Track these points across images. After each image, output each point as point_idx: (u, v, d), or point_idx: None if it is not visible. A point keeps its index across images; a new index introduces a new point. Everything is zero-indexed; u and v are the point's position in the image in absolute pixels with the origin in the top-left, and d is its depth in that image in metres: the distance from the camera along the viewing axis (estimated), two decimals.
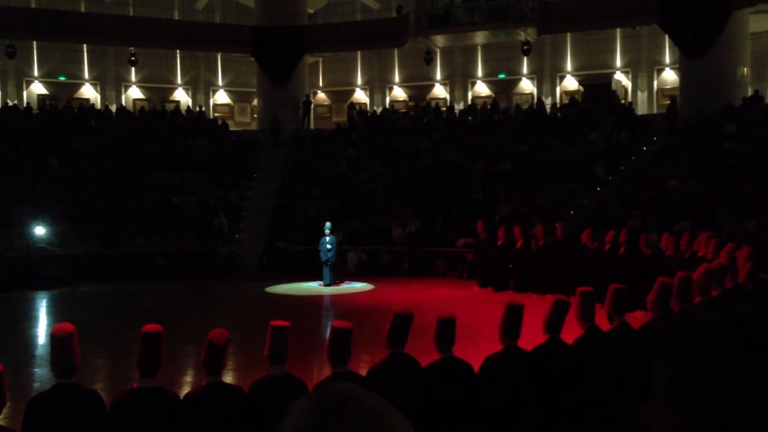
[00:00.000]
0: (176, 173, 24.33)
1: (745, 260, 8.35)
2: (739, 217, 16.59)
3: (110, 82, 32.33)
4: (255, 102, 32.26)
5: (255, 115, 32.52)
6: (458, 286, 17.81)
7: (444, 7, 27.77)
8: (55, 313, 15.56)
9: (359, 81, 33.85)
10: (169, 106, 31.50)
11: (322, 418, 1.01)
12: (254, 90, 31.71)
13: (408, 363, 4.95)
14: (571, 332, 5.48)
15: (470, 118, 27.76)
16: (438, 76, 32.64)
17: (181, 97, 33.41)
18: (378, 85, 33.57)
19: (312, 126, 30.96)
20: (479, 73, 32.13)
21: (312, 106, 29.82)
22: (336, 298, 16.71)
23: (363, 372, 5.21)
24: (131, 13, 30.41)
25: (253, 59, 29.96)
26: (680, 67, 25.74)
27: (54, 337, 4.14)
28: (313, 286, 18.18)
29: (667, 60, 28.96)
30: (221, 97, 34.27)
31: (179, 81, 33.55)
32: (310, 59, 31.48)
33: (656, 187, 19.68)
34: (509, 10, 26.35)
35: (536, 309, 6.31)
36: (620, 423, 4.96)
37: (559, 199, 20.85)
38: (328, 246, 17.94)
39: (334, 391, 1.05)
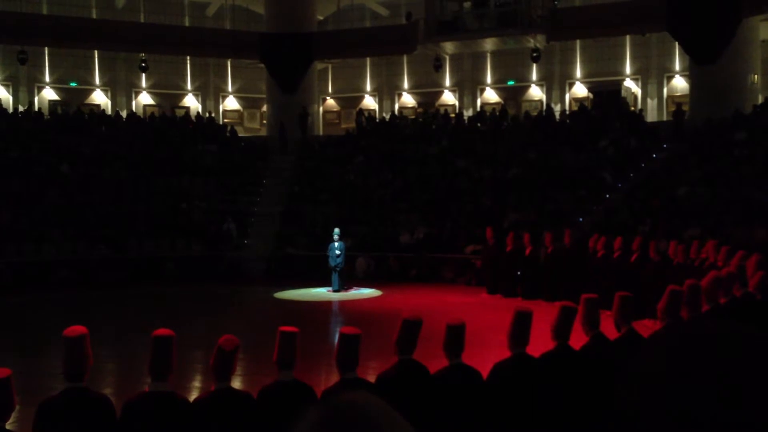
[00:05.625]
0: (185, 179, 24.43)
1: (755, 268, 8.30)
2: (749, 224, 16.52)
3: (121, 87, 32.51)
4: (264, 108, 32.36)
5: (264, 121, 32.62)
6: (466, 292, 17.79)
7: (453, 14, 27.80)
8: (64, 317, 15.62)
9: (368, 87, 33.91)
10: (179, 112, 31.64)
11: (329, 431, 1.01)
12: (263, 96, 31.82)
13: (416, 369, 4.95)
14: (582, 339, 5.48)
15: (479, 124, 27.75)
16: (447, 82, 32.66)
17: (191, 103, 33.55)
18: (387, 91, 33.62)
19: (321, 133, 31.05)
20: (488, 79, 32.13)
21: (309, 118, 29.53)
22: (344, 304, 16.72)
23: (371, 378, 5.21)
24: (142, 20, 30.58)
25: (262, 65, 30.06)
26: (690, 75, 25.68)
27: (67, 338, 4.17)
28: (322, 292, 18.19)
29: (677, 67, 28.88)
30: (231, 103, 34.40)
31: (189, 87, 33.70)
32: (319, 65, 31.57)
33: (665, 194, 19.63)
34: (518, 16, 26.35)
35: (545, 316, 6.30)
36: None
37: (567, 205, 20.81)
38: (337, 252, 17.96)
39: (342, 403, 1.05)
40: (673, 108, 27.01)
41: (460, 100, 32.42)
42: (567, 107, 29.87)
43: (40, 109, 29.29)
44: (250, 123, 34.26)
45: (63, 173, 23.39)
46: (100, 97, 32.26)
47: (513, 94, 31.85)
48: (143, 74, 31.05)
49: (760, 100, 24.10)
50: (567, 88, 30.93)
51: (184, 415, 4.34)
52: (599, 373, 5.25)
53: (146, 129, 27.69)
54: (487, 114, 28.66)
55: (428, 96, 33.03)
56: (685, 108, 24.77)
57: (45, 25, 27.48)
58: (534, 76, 31.33)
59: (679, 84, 28.87)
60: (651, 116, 28.23)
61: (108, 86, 32.36)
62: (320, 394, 4.61)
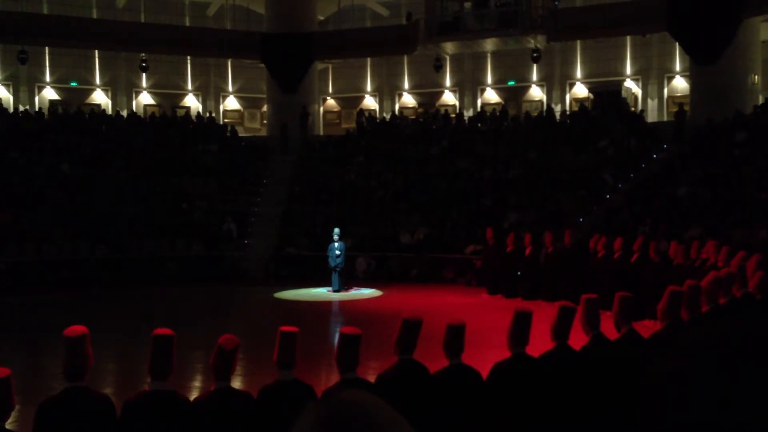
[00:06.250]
0: (186, 179, 24.44)
1: (755, 268, 8.31)
2: (749, 224, 16.52)
3: (121, 87, 32.51)
4: (265, 108, 32.37)
5: (264, 121, 32.63)
6: (467, 292, 17.80)
7: (454, 14, 27.81)
8: (64, 317, 15.61)
9: (369, 87, 33.92)
10: (180, 112, 31.65)
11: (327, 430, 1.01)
12: (264, 96, 31.83)
13: (416, 369, 4.95)
14: (582, 339, 5.48)
15: (479, 125, 27.75)
16: (447, 82, 32.66)
17: (192, 102, 33.55)
18: (387, 91, 33.62)
19: (321, 133, 31.08)
20: (489, 80, 32.13)
21: (310, 118, 29.59)
22: (344, 304, 16.72)
23: (371, 378, 5.22)
24: (143, 20, 30.58)
25: (263, 65, 30.07)
26: (691, 75, 25.68)
27: (67, 338, 4.17)
28: (322, 292, 18.20)
29: (678, 67, 28.88)
30: (231, 103, 34.40)
31: (190, 87, 33.71)
32: (319, 66, 31.57)
33: (666, 194, 19.63)
34: (519, 17, 26.35)
35: (545, 316, 6.30)
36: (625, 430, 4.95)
37: (568, 206, 20.81)
38: (337, 252, 17.97)
39: (340, 401, 1.05)
40: (673, 108, 27.02)
41: (461, 100, 32.42)
42: (567, 107, 29.87)
43: (40, 108, 29.31)
44: (251, 123, 34.26)
45: (63, 173, 23.40)
46: (100, 97, 32.26)
47: (513, 95, 31.84)
48: (144, 74, 31.04)
49: (761, 100, 24.09)
50: (567, 89, 30.93)
51: (185, 415, 4.34)
52: (599, 373, 5.26)
53: (147, 129, 27.70)
54: (488, 114, 28.67)
55: (429, 96, 33.03)
56: (686, 108, 24.76)
57: (45, 25, 27.48)
58: (534, 77, 31.33)
59: (680, 84, 28.87)
60: (651, 117, 28.22)
61: (108, 86, 32.36)
62: (320, 394, 4.61)
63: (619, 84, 29.76)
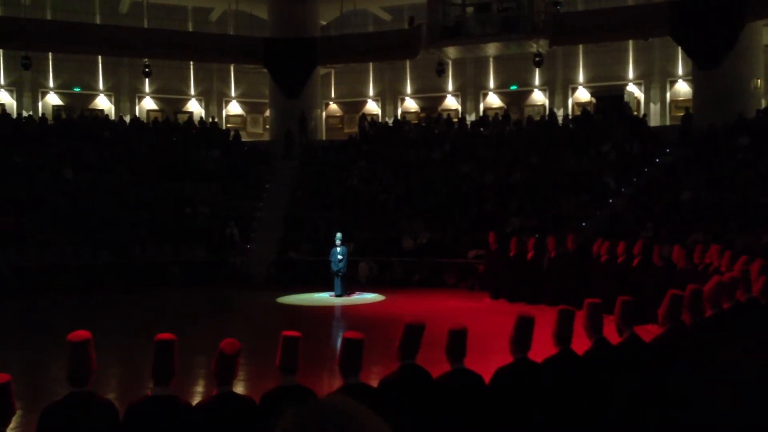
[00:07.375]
0: (189, 184, 24.46)
1: (759, 273, 8.29)
2: (752, 229, 16.49)
3: (124, 93, 32.59)
4: (267, 113, 32.42)
5: (267, 126, 32.68)
6: (469, 297, 17.77)
7: (456, 19, 27.82)
8: (67, 322, 15.62)
9: (371, 92, 33.95)
10: (182, 117, 31.70)
11: None
12: (267, 101, 31.88)
13: (419, 374, 4.94)
14: (584, 344, 5.47)
15: (482, 129, 27.76)
16: (450, 87, 32.69)
17: (194, 108, 33.62)
18: (390, 96, 33.66)
19: (324, 138, 31.12)
20: (491, 84, 32.15)
21: (312, 123, 29.66)
22: (347, 309, 16.70)
23: (374, 383, 5.21)
24: (146, 25, 30.66)
25: (265, 70, 30.12)
26: (693, 79, 25.67)
27: (70, 343, 4.18)
28: (324, 297, 18.19)
29: (680, 72, 28.88)
30: (234, 108, 34.46)
31: (192, 92, 33.77)
32: (322, 70, 31.62)
33: (669, 199, 19.60)
34: (521, 21, 26.37)
35: (548, 321, 6.29)
36: None
37: (570, 210, 20.79)
38: (339, 257, 17.95)
39: (319, 405, 1.04)
40: (677, 113, 27.01)
41: (463, 104, 32.44)
42: (570, 112, 29.88)
43: (43, 114, 29.37)
44: (253, 128, 34.31)
45: (66, 178, 23.44)
46: (103, 102, 32.34)
47: (516, 99, 31.85)
48: (147, 79, 31.13)
49: (764, 104, 24.08)
50: (570, 93, 30.94)
51: (187, 420, 4.34)
52: (602, 377, 5.25)
53: (149, 134, 27.75)
54: (490, 119, 28.68)
55: (431, 101, 33.07)
56: (691, 112, 24.73)
57: (49, 31, 27.57)
58: (537, 81, 31.35)
59: (682, 89, 28.86)
60: (654, 121, 28.24)
61: (111, 91, 32.44)
62: None
63: (622, 88, 29.75)
